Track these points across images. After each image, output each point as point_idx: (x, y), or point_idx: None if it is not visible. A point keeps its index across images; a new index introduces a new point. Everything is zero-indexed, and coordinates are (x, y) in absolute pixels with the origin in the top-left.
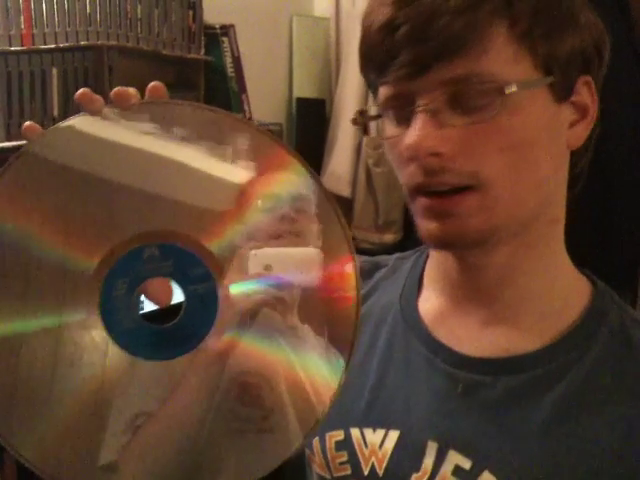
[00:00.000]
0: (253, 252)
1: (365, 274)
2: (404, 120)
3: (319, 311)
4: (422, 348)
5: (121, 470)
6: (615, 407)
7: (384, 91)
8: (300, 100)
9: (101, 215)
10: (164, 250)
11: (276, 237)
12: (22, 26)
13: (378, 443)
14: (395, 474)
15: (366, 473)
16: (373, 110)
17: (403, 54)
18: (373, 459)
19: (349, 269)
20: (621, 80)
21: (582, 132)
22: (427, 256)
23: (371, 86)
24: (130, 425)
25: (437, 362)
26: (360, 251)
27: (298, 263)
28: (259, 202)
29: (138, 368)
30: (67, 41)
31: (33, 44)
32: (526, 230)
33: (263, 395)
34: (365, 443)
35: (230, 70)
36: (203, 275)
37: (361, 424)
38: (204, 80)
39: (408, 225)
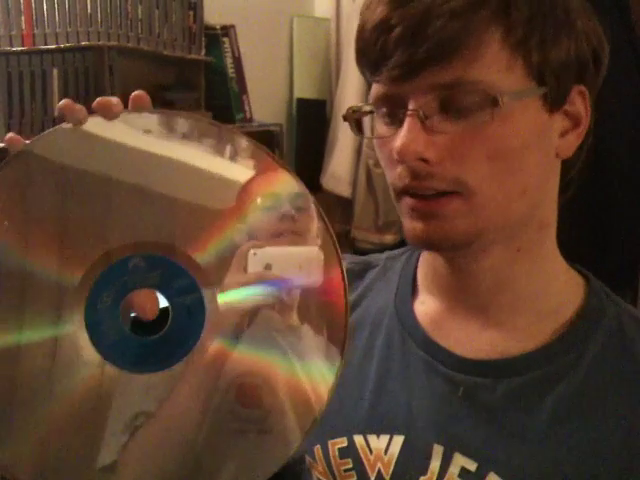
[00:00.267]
0: (253, 251)
1: (356, 275)
2: (394, 121)
3: (318, 311)
4: (420, 352)
5: (120, 471)
6: (615, 405)
7: (376, 89)
8: (300, 101)
9: (87, 226)
10: (150, 261)
11: (277, 236)
12: (23, 26)
13: (383, 448)
14: (402, 478)
15: (373, 479)
16: (367, 106)
17: (396, 55)
18: (379, 465)
19: (335, 271)
20: (621, 80)
21: (573, 141)
22: (419, 255)
23: (366, 81)
24: (129, 425)
25: (436, 365)
26: (360, 252)
27: (298, 262)
28: (259, 200)
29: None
30: (68, 41)
31: (34, 44)
32: (515, 236)
33: (262, 396)
34: (370, 449)
35: (231, 71)
36: (190, 286)
37: (364, 431)
38: (204, 80)
39: None
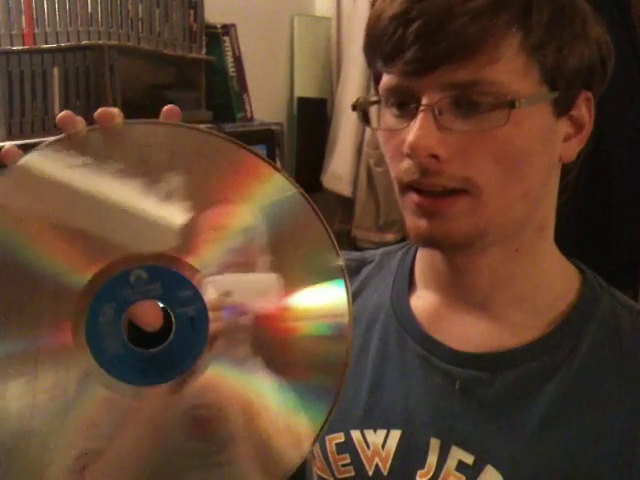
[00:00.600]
0: (211, 278)
1: (352, 272)
2: (405, 114)
3: (277, 341)
4: (417, 346)
5: None
6: (610, 396)
7: (388, 80)
8: (301, 100)
9: (87, 238)
10: (151, 272)
11: (227, 267)
12: (23, 25)
13: (380, 443)
14: (400, 472)
15: (371, 473)
16: (374, 97)
17: (413, 49)
18: (377, 459)
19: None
20: (621, 81)
21: (575, 146)
22: (415, 251)
23: (372, 69)
24: (74, 466)
25: (433, 360)
26: (361, 251)
27: (258, 290)
28: (211, 233)
29: (81, 404)
30: (68, 41)
31: (34, 44)
32: (514, 236)
33: (217, 429)
34: (367, 444)
35: (231, 70)
36: (192, 297)
37: (361, 426)
38: (205, 80)
39: None
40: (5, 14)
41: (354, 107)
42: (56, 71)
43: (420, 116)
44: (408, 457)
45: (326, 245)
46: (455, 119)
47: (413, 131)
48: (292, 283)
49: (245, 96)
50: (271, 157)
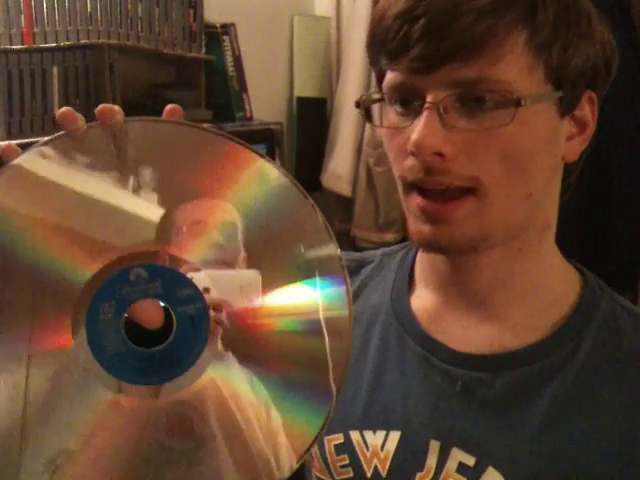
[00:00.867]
0: (190, 275)
1: (352, 273)
2: (409, 112)
3: (254, 337)
4: (417, 347)
5: None
6: (611, 397)
7: (392, 77)
8: (301, 99)
9: (86, 237)
10: (152, 271)
11: (205, 264)
12: (23, 25)
13: (380, 445)
14: (399, 475)
15: (369, 475)
16: (376, 94)
17: (418, 46)
18: (375, 461)
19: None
20: (621, 81)
21: (578, 146)
22: (416, 252)
23: (375, 66)
24: (49, 465)
25: (433, 360)
26: (361, 250)
27: (239, 285)
28: (184, 228)
29: (58, 403)
30: (68, 40)
31: (34, 43)
32: (517, 237)
33: (193, 426)
34: (366, 445)
35: (231, 69)
36: (193, 296)
37: (360, 427)
38: (205, 79)
39: None
40: (4, 13)
41: (357, 104)
42: (55, 70)
43: (425, 114)
44: (407, 459)
45: (324, 237)
46: (460, 117)
47: (418, 129)
48: (283, 278)
49: (245, 96)
50: (270, 156)
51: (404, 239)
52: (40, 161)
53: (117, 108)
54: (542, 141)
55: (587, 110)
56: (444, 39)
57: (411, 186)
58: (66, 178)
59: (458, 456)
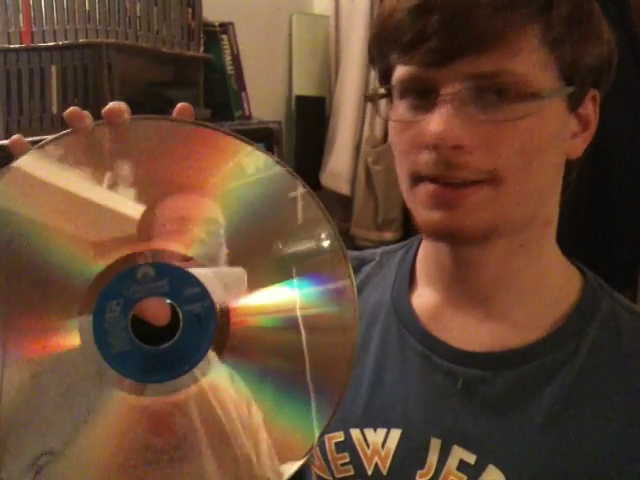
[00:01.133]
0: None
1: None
2: (422, 105)
3: (245, 336)
4: (418, 345)
5: None
6: (611, 395)
7: (405, 71)
8: (300, 98)
9: (90, 236)
10: (159, 269)
11: (186, 261)
12: (21, 24)
13: (380, 442)
14: (400, 472)
15: (370, 473)
16: (382, 89)
17: (434, 39)
18: (376, 459)
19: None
20: (621, 80)
21: (581, 144)
22: (416, 250)
23: (380, 62)
24: (31, 466)
25: (434, 358)
26: (360, 249)
27: (224, 282)
28: (166, 226)
29: (41, 403)
30: (66, 39)
31: (32, 42)
32: (521, 231)
33: (175, 423)
34: (367, 443)
35: (229, 68)
36: (199, 294)
37: (361, 425)
38: (203, 78)
39: (408, 223)
40: (3, 12)
41: (367, 99)
42: (54, 69)
43: (443, 106)
44: (408, 457)
45: (319, 220)
46: (476, 110)
47: (437, 121)
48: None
49: (243, 94)
50: None
51: (403, 238)
52: (45, 160)
53: (125, 107)
54: (553, 136)
55: (590, 108)
56: (462, 32)
57: (421, 178)
58: (69, 178)
59: (459, 454)
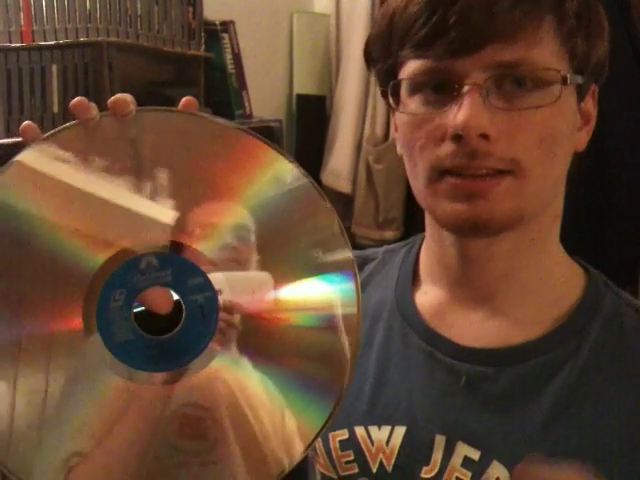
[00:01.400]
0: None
1: None
2: (436, 100)
3: (267, 337)
4: (422, 342)
5: None
6: (615, 391)
7: (421, 65)
8: (300, 97)
9: (95, 228)
10: (162, 259)
11: (216, 265)
12: (22, 23)
13: (385, 440)
14: (405, 469)
15: (374, 470)
16: (396, 81)
17: (457, 30)
18: (381, 456)
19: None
20: (621, 80)
21: (584, 137)
22: (419, 248)
23: (382, 61)
24: (63, 466)
25: (438, 355)
26: (360, 248)
27: (251, 287)
28: (197, 231)
29: (72, 403)
30: (67, 38)
31: (33, 41)
32: (530, 223)
33: (206, 427)
34: (371, 441)
35: (230, 67)
36: (202, 284)
37: (365, 422)
38: (204, 77)
39: (408, 222)
40: (3, 11)
41: (385, 94)
42: (55, 68)
43: (469, 96)
44: (413, 454)
45: (336, 238)
46: (499, 99)
47: (463, 111)
48: (296, 278)
49: (244, 93)
50: None
51: (404, 236)
52: (52, 152)
53: (130, 98)
54: (567, 127)
55: (590, 103)
56: (485, 21)
57: (444, 173)
58: (77, 170)
59: (463, 450)
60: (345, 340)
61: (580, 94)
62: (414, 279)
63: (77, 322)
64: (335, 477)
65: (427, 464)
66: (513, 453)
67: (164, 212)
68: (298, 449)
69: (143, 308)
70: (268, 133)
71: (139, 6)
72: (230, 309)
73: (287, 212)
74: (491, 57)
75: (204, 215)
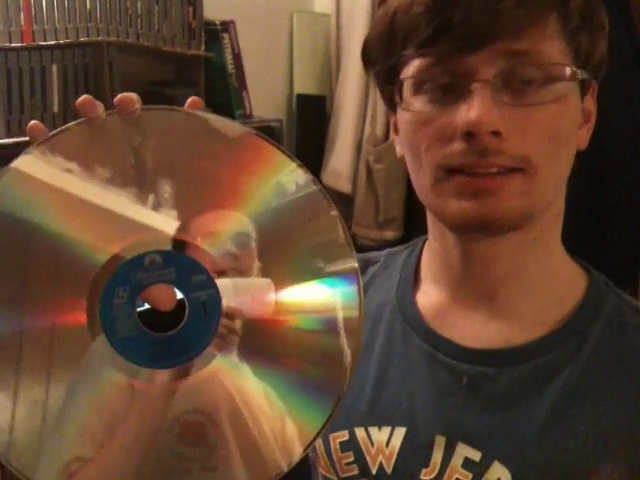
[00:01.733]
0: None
1: None
2: (442, 99)
3: (271, 341)
4: (423, 343)
5: None
6: (616, 390)
7: (425, 63)
8: (301, 97)
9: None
10: (166, 257)
11: (219, 273)
12: (22, 23)
13: (385, 441)
14: (404, 471)
15: (374, 472)
16: (390, 85)
17: (465, 26)
18: (381, 457)
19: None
20: (621, 80)
21: (585, 135)
22: (421, 250)
23: (383, 62)
24: (63, 472)
25: (439, 356)
26: (361, 248)
27: (250, 293)
28: (199, 240)
29: (73, 406)
30: (67, 37)
31: (33, 41)
32: (534, 222)
33: (206, 432)
34: (371, 442)
35: (230, 67)
36: (205, 282)
37: (365, 423)
38: (204, 77)
39: (409, 222)
40: (4, 11)
41: (385, 95)
42: (55, 68)
43: (478, 92)
44: (413, 455)
45: (341, 247)
46: (508, 96)
47: (474, 108)
48: (294, 279)
49: (244, 93)
50: None
51: (404, 236)
52: (49, 157)
53: (136, 97)
54: (573, 124)
55: (590, 101)
56: (489, 20)
57: (453, 171)
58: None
59: (464, 451)
60: (346, 343)
61: (583, 91)
62: (416, 280)
63: (81, 319)
64: (335, 478)
65: (427, 465)
66: (515, 454)
67: (166, 222)
68: (297, 450)
69: (146, 307)
70: (268, 133)
71: (139, 6)
72: (231, 315)
73: (293, 219)
74: (502, 51)
75: (206, 222)
